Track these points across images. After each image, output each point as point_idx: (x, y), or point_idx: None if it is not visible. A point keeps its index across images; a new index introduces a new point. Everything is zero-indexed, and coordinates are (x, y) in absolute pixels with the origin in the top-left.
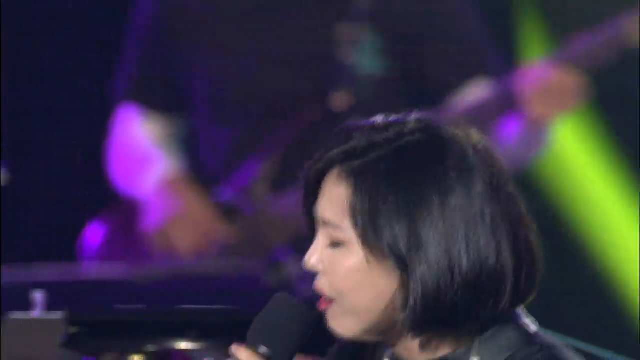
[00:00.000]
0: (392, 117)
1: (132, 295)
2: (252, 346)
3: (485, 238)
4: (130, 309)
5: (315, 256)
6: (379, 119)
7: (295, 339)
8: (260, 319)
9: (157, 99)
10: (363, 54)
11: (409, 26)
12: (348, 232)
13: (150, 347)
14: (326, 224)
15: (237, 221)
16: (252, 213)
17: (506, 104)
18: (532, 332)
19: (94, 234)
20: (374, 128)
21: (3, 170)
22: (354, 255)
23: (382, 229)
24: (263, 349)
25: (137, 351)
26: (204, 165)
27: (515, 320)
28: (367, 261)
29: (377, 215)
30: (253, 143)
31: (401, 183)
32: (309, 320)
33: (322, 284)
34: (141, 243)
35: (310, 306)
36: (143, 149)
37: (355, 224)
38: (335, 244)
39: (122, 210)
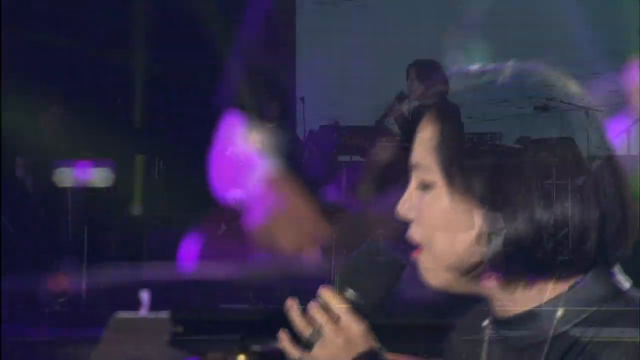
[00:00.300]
0: (489, 65)
1: (236, 294)
2: (340, 289)
3: (571, 191)
4: (234, 308)
5: (406, 204)
6: (476, 65)
7: (382, 286)
8: (350, 263)
9: (262, 105)
10: (471, 60)
11: (516, 32)
12: (436, 173)
13: (255, 347)
14: (416, 166)
15: (341, 220)
16: (356, 212)
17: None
18: (623, 289)
19: (199, 235)
20: (470, 73)
21: (107, 171)
22: (442, 198)
23: (465, 171)
24: (350, 293)
25: (242, 350)
26: (309, 166)
27: (607, 277)
28: (454, 204)
29: (461, 158)
30: (358, 144)
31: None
32: (398, 269)
33: (413, 232)
34: (245, 243)
35: (401, 255)
36: (248, 154)
37: (441, 166)
38: (425, 187)
39: (227, 211)
